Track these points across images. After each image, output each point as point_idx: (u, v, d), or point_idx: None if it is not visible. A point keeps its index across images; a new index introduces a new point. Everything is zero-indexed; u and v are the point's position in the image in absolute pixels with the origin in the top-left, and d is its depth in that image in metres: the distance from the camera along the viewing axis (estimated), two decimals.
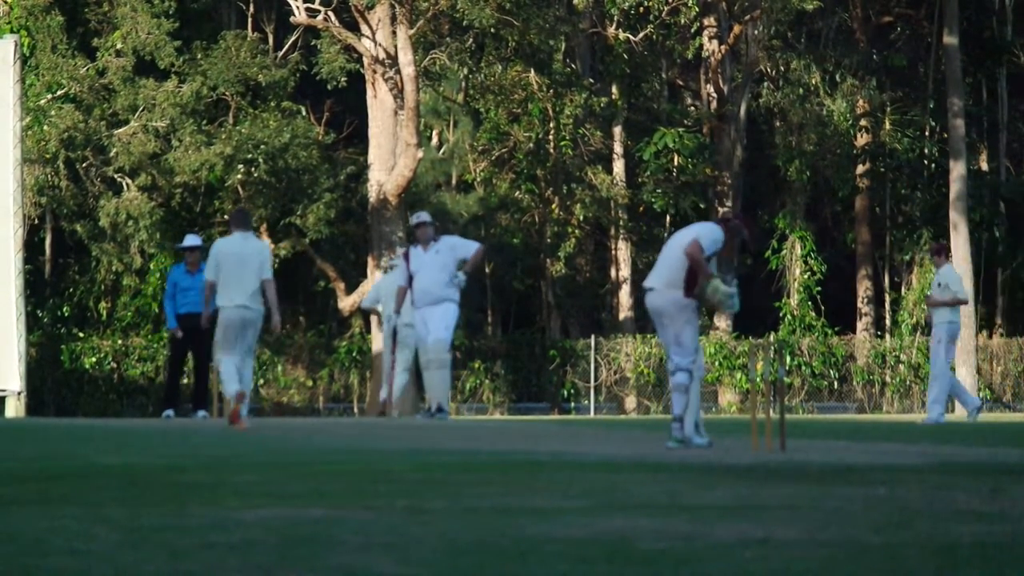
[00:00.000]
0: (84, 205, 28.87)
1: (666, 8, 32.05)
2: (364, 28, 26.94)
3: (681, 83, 36.85)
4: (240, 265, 14.25)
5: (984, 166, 36.44)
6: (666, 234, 34.47)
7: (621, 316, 33.51)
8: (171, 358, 18.64)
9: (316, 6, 27.11)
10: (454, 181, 33.49)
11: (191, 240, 18.25)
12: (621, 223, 33.47)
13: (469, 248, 16.56)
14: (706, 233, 10.50)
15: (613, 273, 33.82)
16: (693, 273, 10.38)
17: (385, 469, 8.05)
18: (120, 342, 29.63)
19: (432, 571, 3.99)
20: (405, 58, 25.92)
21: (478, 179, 32.95)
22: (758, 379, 11.41)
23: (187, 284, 17.60)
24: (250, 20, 33.17)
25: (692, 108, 35.48)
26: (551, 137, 32.51)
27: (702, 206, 33.57)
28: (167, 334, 18.97)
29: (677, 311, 10.45)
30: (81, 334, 29.98)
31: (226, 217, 30.43)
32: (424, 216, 16.72)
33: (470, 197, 32.27)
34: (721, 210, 34.09)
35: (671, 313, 10.46)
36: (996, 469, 8.16)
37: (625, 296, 33.57)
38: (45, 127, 27.97)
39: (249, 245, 14.43)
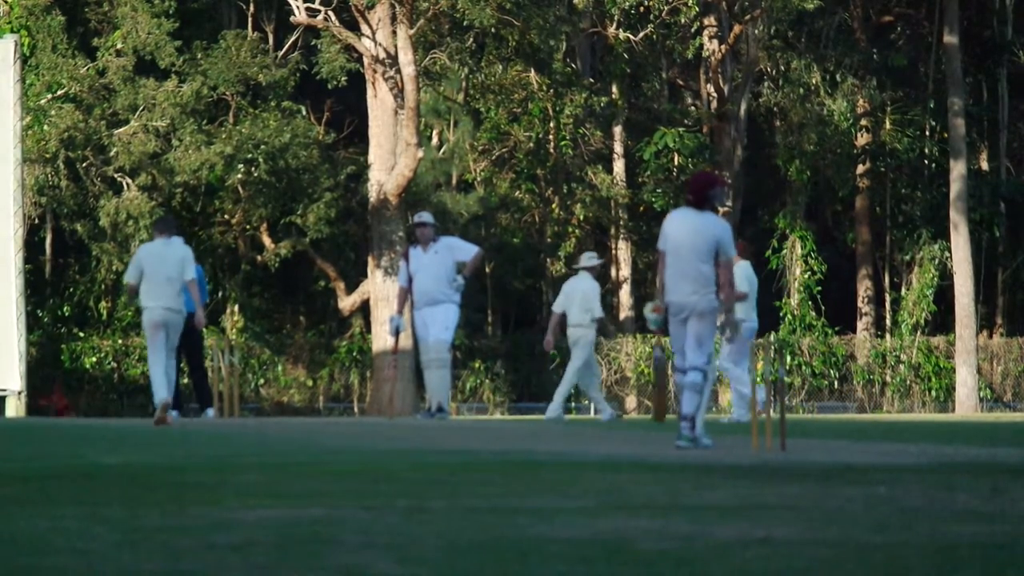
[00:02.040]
0: (84, 205, 28.87)
1: (666, 8, 32.04)
2: (364, 28, 26.93)
3: (681, 83, 36.84)
4: (162, 269, 15.13)
5: (984, 166, 36.44)
6: None
7: (621, 316, 33.51)
8: None
9: (316, 6, 27.10)
10: (454, 181, 33.50)
11: None
12: (621, 223, 33.48)
13: (468, 251, 16.57)
14: (728, 239, 10.57)
15: (613, 273, 33.82)
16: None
17: (385, 469, 8.05)
18: (120, 342, 29.64)
19: (432, 571, 3.99)
20: (405, 58, 25.92)
21: (478, 179, 32.95)
22: (758, 379, 11.41)
23: None
24: (250, 20, 33.16)
25: (692, 108, 35.48)
26: (551, 137, 32.52)
27: None
28: None
29: (710, 312, 10.54)
30: (81, 334, 29.99)
31: (225, 217, 30.46)
32: (426, 216, 16.71)
33: (470, 197, 32.27)
34: (721, 210, 34.06)
35: (705, 314, 10.51)
36: (996, 469, 8.16)
37: (625, 296, 33.57)
38: (45, 127, 27.96)
39: (170, 249, 15.28)
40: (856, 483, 6.91)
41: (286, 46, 31.84)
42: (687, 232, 10.55)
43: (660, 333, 10.88)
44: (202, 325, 15.99)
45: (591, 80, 33.04)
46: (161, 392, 14.99)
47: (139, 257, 15.38)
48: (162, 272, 15.10)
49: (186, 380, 19.84)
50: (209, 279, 28.71)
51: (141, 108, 28.57)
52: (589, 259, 18.25)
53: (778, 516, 5.33)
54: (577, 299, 17.70)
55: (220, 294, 31.27)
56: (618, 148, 33.60)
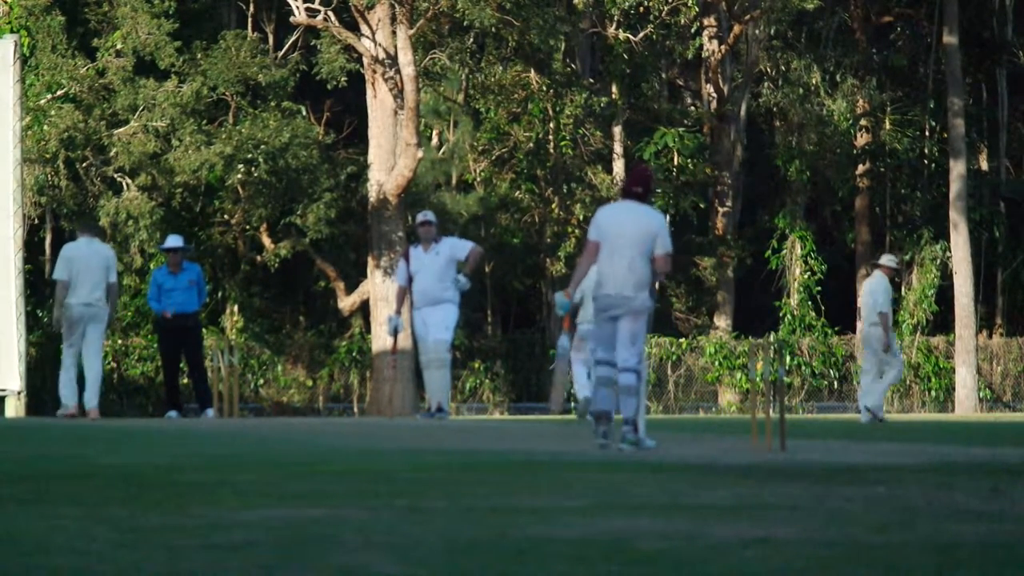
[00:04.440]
0: (84, 205, 28.87)
1: (666, 8, 32.05)
2: (364, 28, 26.94)
3: (681, 83, 36.85)
4: (86, 267, 16.24)
5: (984, 166, 36.44)
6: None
7: None
8: (164, 362, 18.61)
9: (316, 6, 27.10)
10: (454, 181, 33.49)
11: (173, 241, 18.22)
12: None
13: (465, 247, 16.53)
14: (666, 232, 10.46)
15: None
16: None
17: (385, 469, 8.06)
18: (120, 342, 29.63)
19: (432, 571, 3.99)
20: (405, 58, 25.92)
21: (478, 179, 32.95)
22: (758, 379, 11.39)
23: (170, 285, 17.59)
24: (250, 20, 33.16)
25: (692, 108, 35.48)
26: (551, 137, 32.51)
27: (702, 206, 33.58)
28: (157, 334, 18.95)
29: (643, 312, 10.37)
30: None
31: (225, 217, 30.46)
32: (429, 215, 16.69)
33: (470, 197, 32.27)
34: (722, 210, 34.09)
35: (638, 313, 10.35)
36: (996, 469, 8.16)
37: None
38: (45, 127, 27.96)
39: (94, 249, 16.47)
40: (856, 483, 6.91)
41: (286, 46, 31.84)
42: (629, 225, 10.32)
43: (569, 319, 10.70)
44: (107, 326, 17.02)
45: (591, 80, 33.03)
46: (69, 400, 16.38)
47: (66, 256, 16.43)
48: (86, 271, 16.18)
49: (185, 380, 19.82)
50: (209, 279, 28.71)
51: (141, 108, 28.57)
52: (888, 260, 19.24)
53: (778, 516, 5.33)
54: (868, 298, 18.66)
55: (220, 294, 31.26)
56: (618, 148, 33.60)
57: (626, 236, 10.30)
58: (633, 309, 10.28)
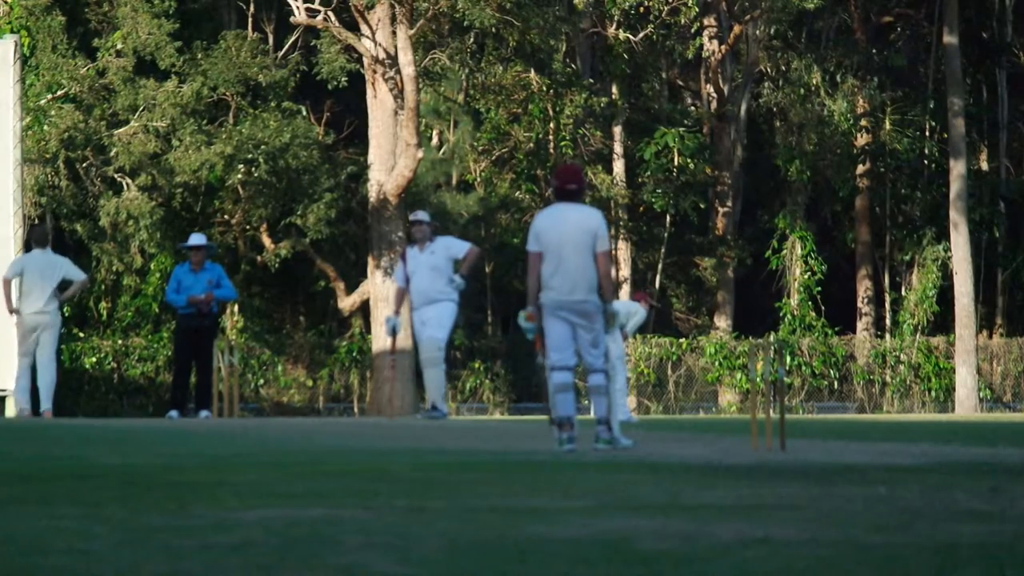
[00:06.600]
0: (84, 205, 28.87)
1: (666, 8, 32.05)
2: (364, 28, 26.94)
3: (681, 83, 36.85)
4: (40, 276, 16.68)
5: (984, 166, 36.44)
6: (666, 234, 34.49)
7: None
8: (177, 359, 18.56)
9: (316, 6, 27.10)
10: (454, 181, 33.49)
11: (196, 239, 18.18)
12: (621, 223, 33.49)
13: (462, 248, 16.48)
14: (604, 229, 10.37)
15: (613, 273, 33.82)
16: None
17: (385, 469, 8.06)
18: (120, 342, 29.63)
19: (432, 571, 3.99)
20: (405, 58, 25.92)
21: (478, 179, 32.95)
22: (758, 379, 11.39)
23: (190, 282, 17.54)
24: (250, 20, 33.16)
25: (692, 108, 35.49)
26: (551, 137, 32.52)
27: (702, 206, 33.58)
28: (176, 332, 18.87)
29: (597, 314, 10.33)
30: (81, 334, 29.98)
31: (225, 217, 30.46)
32: (422, 215, 16.65)
33: (470, 197, 32.26)
34: (722, 210, 34.09)
35: (594, 317, 10.32)
36: (996, 469, 8.16)
37: (624, 296, 33.56)
38: (45, 127, 27.96)
39: (48, 259, 16.91)
40: (856, 483, 6.91)
41: (286, 46, 31.84)
42: (570, 228, 10.16)
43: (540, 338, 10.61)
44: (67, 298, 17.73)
45: (591, 80, 33.04)
46: (24, 405, 16.82)
47: (23, 263, 16.96)
48: (41, 280, 16.66)
49: (193, 379, 19.79)
50: None
51: (141, 108, 28.57)
52: None
53: (778, 516, 5.33)
54: None
55: None
56: (618, 148, 33.60)
57: (568, 240, 10.15)
58: (586, 313, 10.24)
